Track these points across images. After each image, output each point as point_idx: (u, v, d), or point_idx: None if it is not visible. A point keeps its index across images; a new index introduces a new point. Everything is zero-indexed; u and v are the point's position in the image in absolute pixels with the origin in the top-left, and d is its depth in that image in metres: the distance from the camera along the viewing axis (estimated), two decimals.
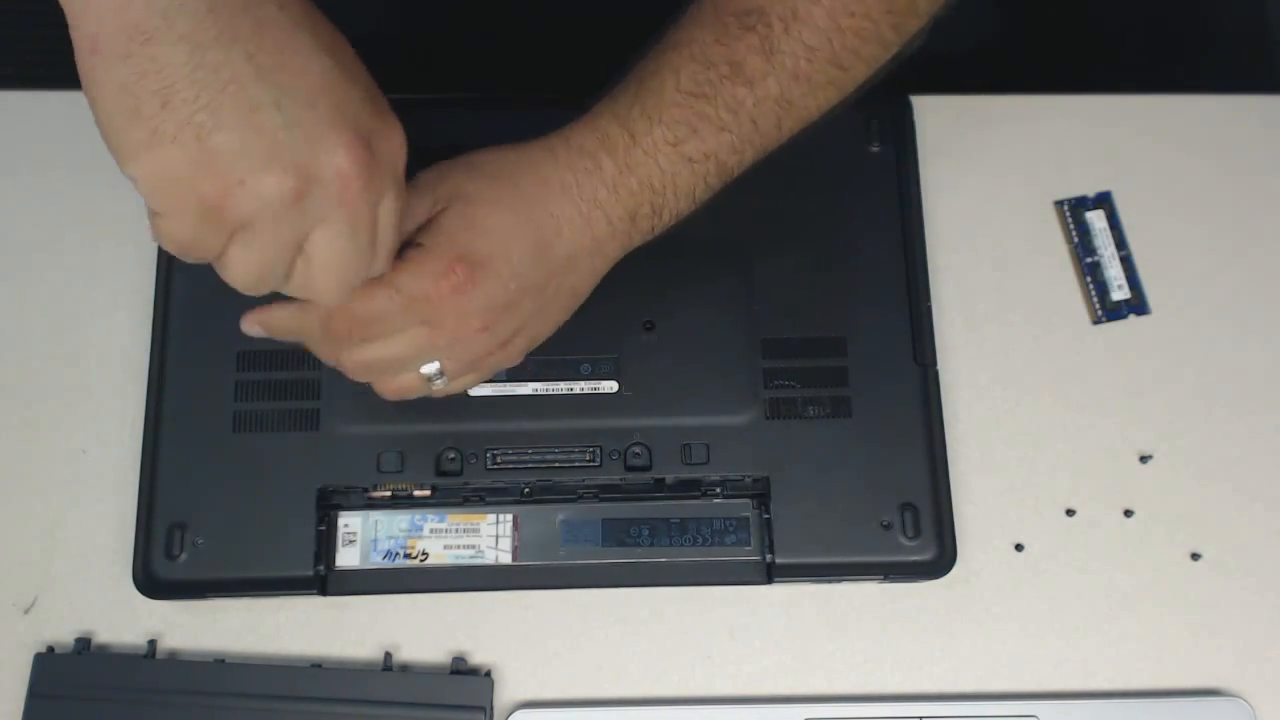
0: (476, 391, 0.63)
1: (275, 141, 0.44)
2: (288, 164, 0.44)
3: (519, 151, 0.55)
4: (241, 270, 0.48)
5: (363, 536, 0.62)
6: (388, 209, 0.48)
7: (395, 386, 0.56)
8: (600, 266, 0.57)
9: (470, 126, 0.67)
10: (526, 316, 0.55)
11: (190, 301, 0.64)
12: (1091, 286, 0.68)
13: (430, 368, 0.55)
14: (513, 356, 0.57)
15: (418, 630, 0.62)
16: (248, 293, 0.49)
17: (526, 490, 0.62)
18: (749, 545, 0.62)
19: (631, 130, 0.54)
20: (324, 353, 0.56)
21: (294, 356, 0.63)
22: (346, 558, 0.62)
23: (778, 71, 0.54)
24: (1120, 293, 0.68)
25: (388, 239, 0.49)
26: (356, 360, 0.55)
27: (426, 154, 0.66)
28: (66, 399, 0.65)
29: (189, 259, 0.48)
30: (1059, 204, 0.70)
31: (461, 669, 0.61)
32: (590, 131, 0.55)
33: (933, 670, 0.62)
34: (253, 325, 0.54)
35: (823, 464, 0.62)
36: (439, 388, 0.56)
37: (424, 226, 0.53)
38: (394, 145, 0.48)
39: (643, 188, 0.55)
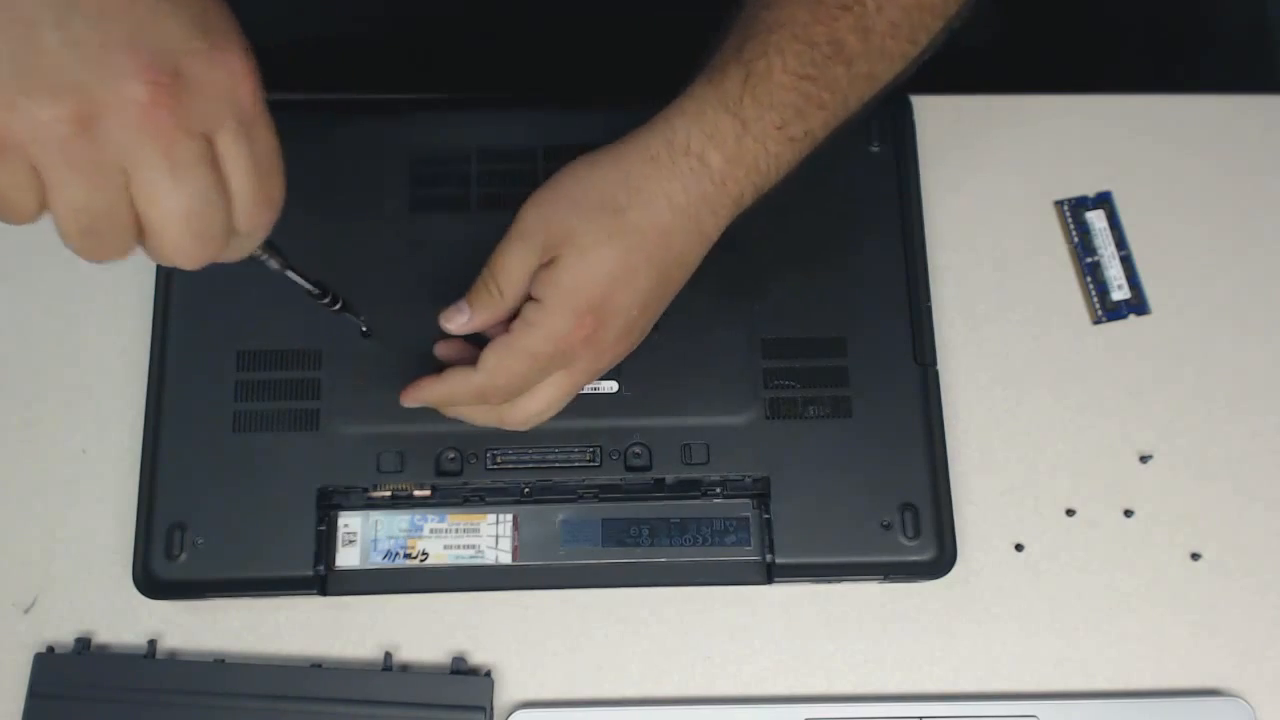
0: None
1: (52, 63, 0.39)
2: (63, 87, 0.39)
3: (618, 166, 0.55)
4: (65, 219, 0.42)
5: (363, 536, 0.62)
6: (235, 148, 0.43)
7: (531, 416, 0.58)
8: (705, 250, 0.57)
9: (470, 127, 0.67)
10: (646, 318, 0.57)
11: (190, 301, 0.64)
12: (1091, 286, 0.68)
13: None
14: (620, 342, 0.57)
15: (418, 630, 0.62)
16: (93, 256, 0.44)
17: (526, 490, 0.62)
18: (749, 545, 0.62)
19: (743, 118, 0.54)
20: (484, 419, 0.58)
21: (294, 356, 0.63)
22: (346, 558, 0.62)
23: (869, 50, 0.55)
24: (1120, 293, 0.68)
25: (245, 185, 0.44)
26: (513, 420, 0.57)
27: (428, 154, 0.67)
28: (66, 399, 0.65)
29: (12, 218, 0.43)
30: (1059, 204, 0.70)
31: (461, 669, 0.61)
32: (696, 125, 0.54)
33: (933, 670, 0.62)
34: (411, 400, 0.58)
35: (823, 464, 0.62)
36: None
37: (540, 277, 0.54)
38: (226, 72, 0.42)
39: (749, 174, 0.55)
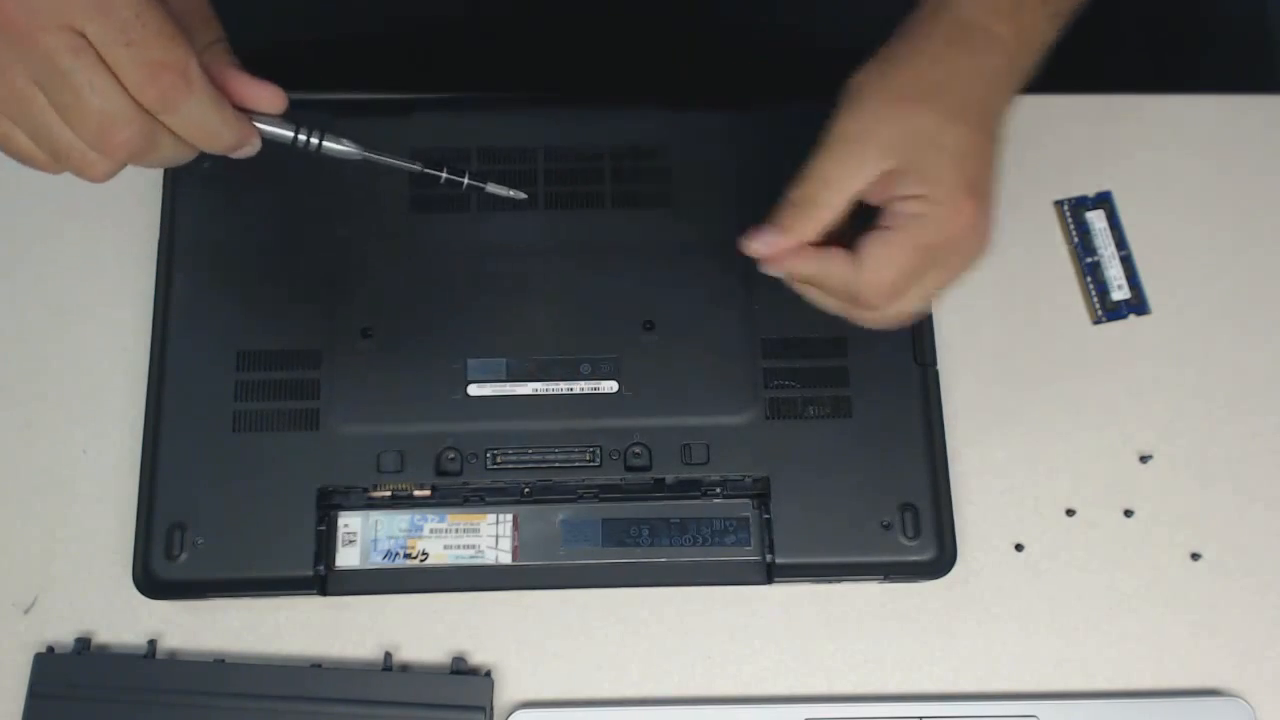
0: (476, 391, 0.63)
1: None
2: None
3: (923, 55, 0.54)
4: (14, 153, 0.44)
5: (363, 536, 0.62)
6: (94, 27, 0.43)
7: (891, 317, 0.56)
8: (1006, 125, 0.57)
9: (470, 126, 0.67)
10: (993, 180, 0.56)
11: (190, 301, 0.64)
12: (1091, 286, 0.68)
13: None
14: (990, 224, 0.56)
15: (418, 630, 0.62)
16: (68, 170, 0.46)
17: (526, 490, 0.62)
18: (749, 545, 0.62)
19: None
20: (836, 305, 0.56)
21: (294, 356, 0.63)
22: (346, 558, 0.62)
23: None
24: (1120, 293, 0.68)
25: (135, 75, 0.44)
26: (871, 317, 0.56)
27: (428, 154, 0.67)
28: (66, 399, 0.65)
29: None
30: (1059, 204, 0.70)
31: (461, 669, 0.61)
32: (974, 2, 0.55)
33: (933, 670, 0.62)
34: (773, 259, 0.54)
35: (823, 464, 0.62)
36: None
37: (899, 177, 0.52)
38: None
39: (1027, 45, 0.56)
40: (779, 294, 0.65)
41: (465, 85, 0.70)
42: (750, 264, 0.65)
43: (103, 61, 0.43)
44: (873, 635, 0.63)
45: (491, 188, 0.55)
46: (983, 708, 0.61)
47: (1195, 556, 0.64)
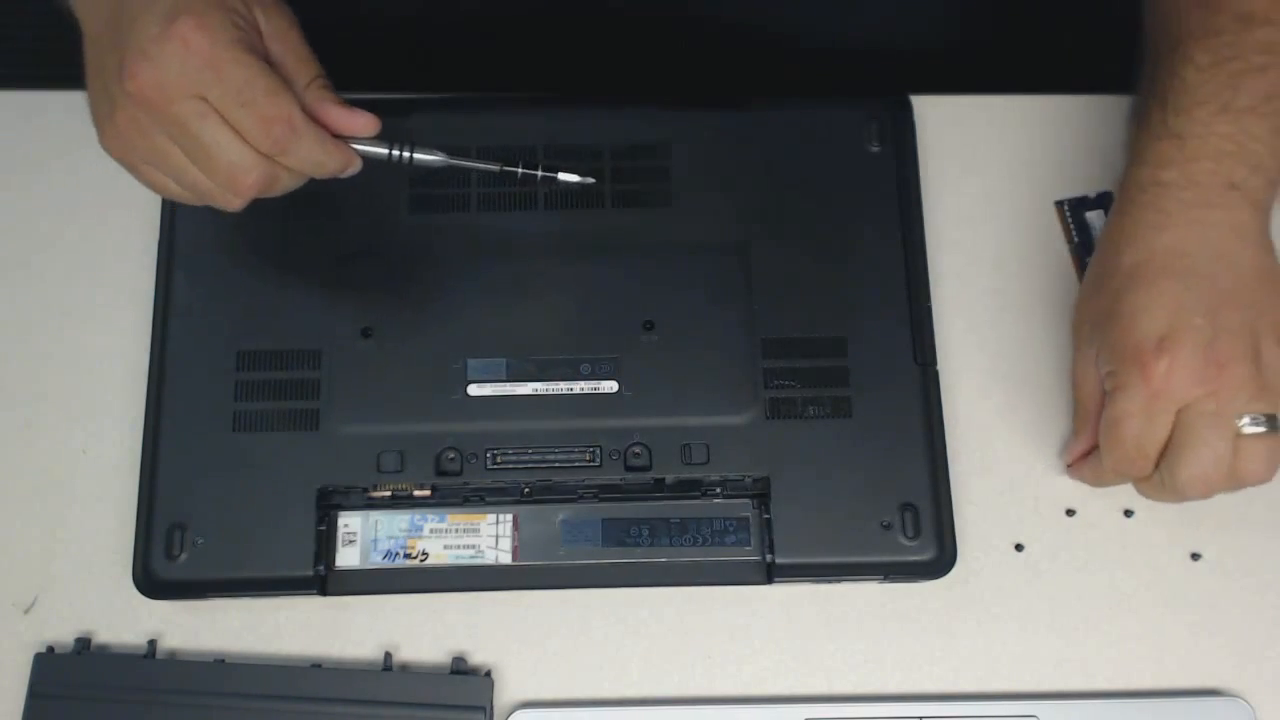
0: (476, 391, 0.63)
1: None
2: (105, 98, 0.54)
3: (1102, 241, 0.61)
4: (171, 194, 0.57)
5: (363, 536, 0.62)
6: (213, 91, 0.52)
7: (1256, 468, 0.57)
8: (1254, 236, 0.57)
9: (470, 126, 0.67)
10: (1246, 322, 0.56)
11: (190, 301, 0.64)
12: None
13: (1245, 423, 0.56)
14: (1275, 354, 0.56)
15: (418, 630, 0.62)
16: (208, 203, 0.56)
17: (526, 490, 0.62)
18: (749, 545, 0.62)
19: (1179, 134, 0.57)
20: (1156, 494, 0.60)
21: (294, 356, 0.63)
22: (346, 558, 0.62)
23: None
24: None
25: (239, 116, 0.52)
26: (1185, 482, 0.57)
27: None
28: (66, 399, 0.65)
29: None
30: (1059, 204, 0.70)
31: (461, 669, 0.61)
32: (1137, 165, 0.59)
33: (933, 670, 0.62)
34: (1075, 474, 0.64)
35: (823, 464, 0.62)
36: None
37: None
38: (178, 43, 0.51)
39: (1217, 162, 0.57)
40: (779, 294, 0.65)
41: (465, 85, 0.70)
42: (750, 264, 0.65)
43: (225, 121, 0.52)
44: (873, 635, 0.63)
45: (564, 177, 0.60)
46: (983, 708, 0.61)
47: (1195, 556, 0.64)
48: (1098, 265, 0.60)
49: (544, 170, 0.60)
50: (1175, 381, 0.55)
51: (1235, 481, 0.57)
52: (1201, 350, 0.55)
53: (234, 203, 0.55)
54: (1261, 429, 0.56)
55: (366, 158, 0.57)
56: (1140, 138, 0.60)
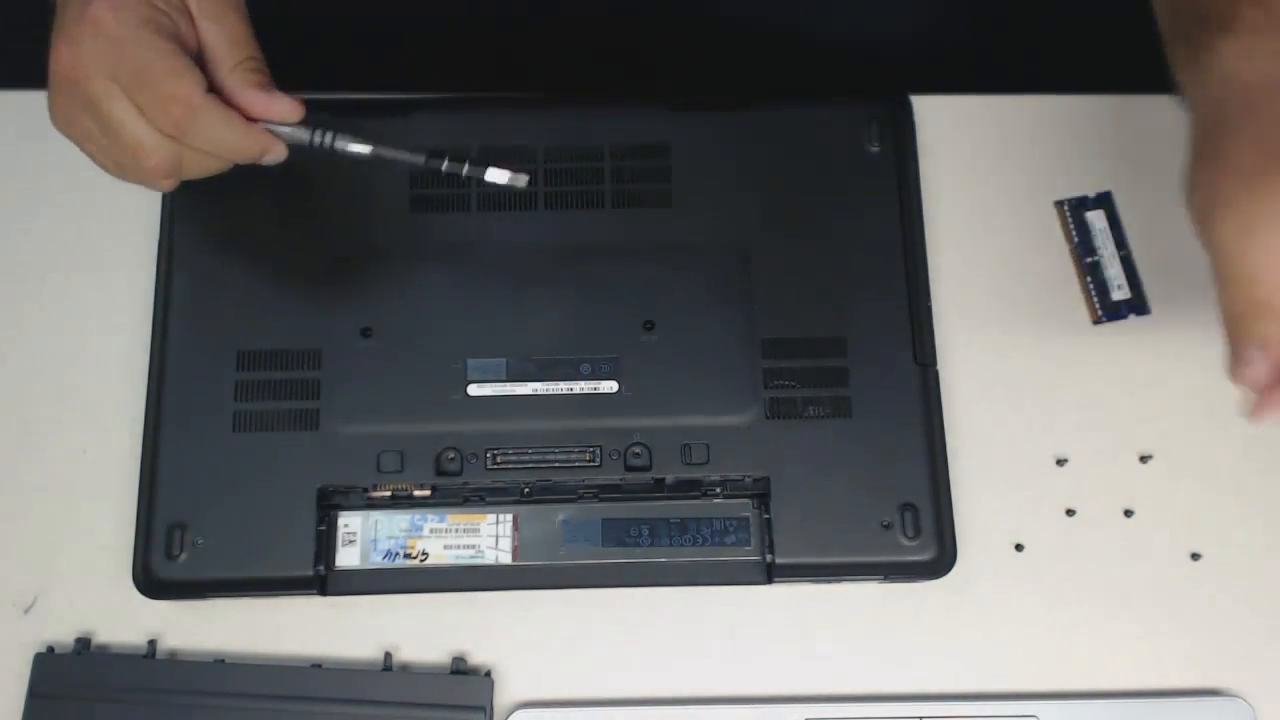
0: (476, 391, 0.63)
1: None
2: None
3: (1211, 135, 0.53)
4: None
5: (363, 536, 0.62)
6: (117, 70, 0.53)
7: None
8: None
9: (471, 126, 0.67)
10: None
11: (190, 301, 0.64)
12: (1091, 286, 0.68)
13: None
14: None
15: (418, 630, 0.62)
16: (129, 180, 0.57)
17: (526, 490, 0.62)
18: (749, 545, 0.62)
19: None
20: None
21: (294, 356, 0.63)
22: (346, 558, 0.62)
23: None
24: (1120, 293, 0.68)
25: (151, 109, 0.53)
26: None
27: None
28: (66, 399, 0.65)
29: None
30: (1059, 204, 0.70)
31: (461, 669, 0.61)
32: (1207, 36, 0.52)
33: (933, 670, 0.62)
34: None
35: (823, 464, 0.62)
36: None
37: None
38: (90, 23, 0.53)
39: None
40: (779, 294, 0.65)
41: (465, 85, 0.70)
42: (750, 264, 0.65)
43: (131, 102, 0.53)
44: (873, 635, 0.63)
45: (492, 175, 0.58)
46: (983, 708, 0.61)
47: (1195, 556, 0.64)
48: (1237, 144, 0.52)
49: (470, 165, 0.58)
50: None
51: None
52: None
53: (156, 184, 0.56)
54: None
55: (290, 142, 0.56)
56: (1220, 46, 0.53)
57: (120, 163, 0.55)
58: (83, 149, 0.57)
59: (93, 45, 0.53)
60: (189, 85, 0.53)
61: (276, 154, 0.56)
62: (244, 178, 0.65)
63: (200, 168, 0.56)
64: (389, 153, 0.57)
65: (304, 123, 0.56)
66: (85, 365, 0.66)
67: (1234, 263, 0.50)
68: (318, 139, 0.56)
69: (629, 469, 0.62)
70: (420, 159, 0.57)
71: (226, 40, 0.55)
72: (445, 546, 0.62)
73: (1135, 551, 0.64)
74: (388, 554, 0.62)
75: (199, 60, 0.55)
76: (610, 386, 0.63)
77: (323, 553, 0.61)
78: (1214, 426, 0.66)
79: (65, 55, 0.53)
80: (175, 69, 0.53)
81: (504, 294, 0.65)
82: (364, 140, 0.57)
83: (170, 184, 0.56)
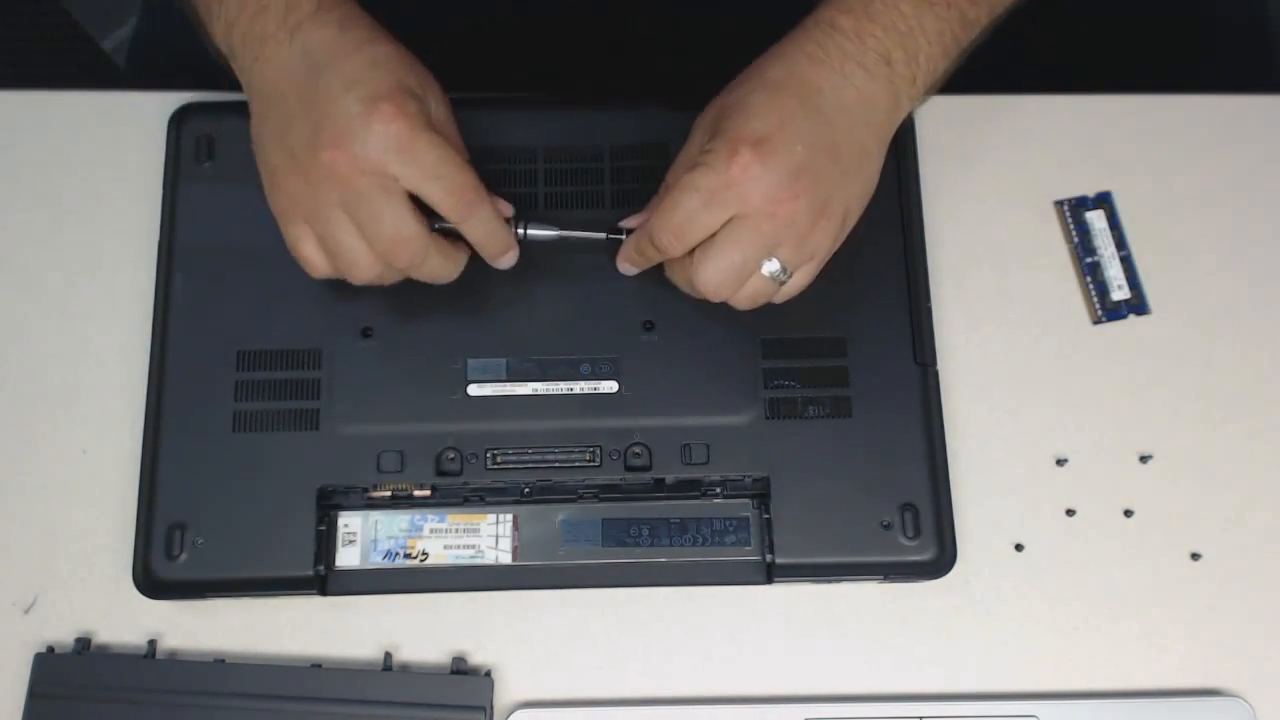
0: (476, 391, 0.63)
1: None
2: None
3: (763, 55, 0.60)
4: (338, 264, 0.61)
5: (363, 536, 0.62)
6: (404, 170, 0.56)
7: (748, 296, 0.59)
8: (878, 119, 0.59)
9: (471, 127, 0.67)
10: (829, 180, 0.58)
11: (190, 301, 0.64)
12: (1091, 286, 0.68)
13: (770, 266, 0.58)
14: (836, 228, 0.59)
15: (418, 630, 0.62)
16: (299, 255, 0.60)
17: (526, 490, 0.62)
18: (749, 545, 0.62)
19: None
20: (678, 277, 0.61)
21: (294, 356, 0.63)
22: (346, 558, 0.62)
23: None
24: (1120, 293, 0.68)
25: (430, 190, 0.57)
26: (704, 279, 0.58)
27: None
28: (66, 399, 0.65)
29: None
30: (1059, 204, 0.70)
31: (461, 669, 0.61)
32: (824, 5, 0.59)
33: (933, 670, 0.62)
34: (624, 265, 0.63)
35: (823, 464, 0.62)
36: (787, 287, 0.60)
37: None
38: (378, 120, 0.56)
39: (888, 32, 0.58)
40: None
41: (465, 85, 0.70)
42: None
43: (406, 196, 0.57)
44: (873, 635, 0.63)
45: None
46: (983, 708, 0.61)
47: (1195, 556, 0.64)
48: (747, 72, 0.60)
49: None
50: (750, 183, 0.56)
51: (738, 299, 0.59)
52: (788, 172, 0.56)
53: (364, 276, 0.59)
54: (776, 278, 0.58)
55: None
56: None
57: (345, 252, 0.58)
58: (294, 227, 0.59)
59: (381, 144, 0.55)
60: (474, 176, 0.58)
61: (512, 256, 0.62)
62: (244, 177, 0.66)
63: (433, 270, 0.61)
64: (574, 235, 0.63)
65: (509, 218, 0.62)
66: (85, 365, 0.66)
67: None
68: (521, 230, 0.62)
69: (629, 469, 0.62)
70: (601, 236, 0.63)
71: (456, 134, 0.61)
72: (445, 546, 0.62)
73: (1135, 551, 0.64)
74: (388, 554, 0.62)
75: None
76: (610, 386, 0.63)
77: (323, 553, 0.61)
78: (1214, 426, 0.66)
79: (343, 147, 0.55)
80: (461, 165, 0.58)
81: (504, 294, 0.65)
82: (551, 225, 0.62)
83: (372, 282, 0.60)
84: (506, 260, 0.62)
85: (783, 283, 0.59)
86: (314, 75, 0.57)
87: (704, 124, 0.59)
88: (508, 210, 0.62)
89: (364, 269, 0.58)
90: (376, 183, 0.56)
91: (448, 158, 0.57)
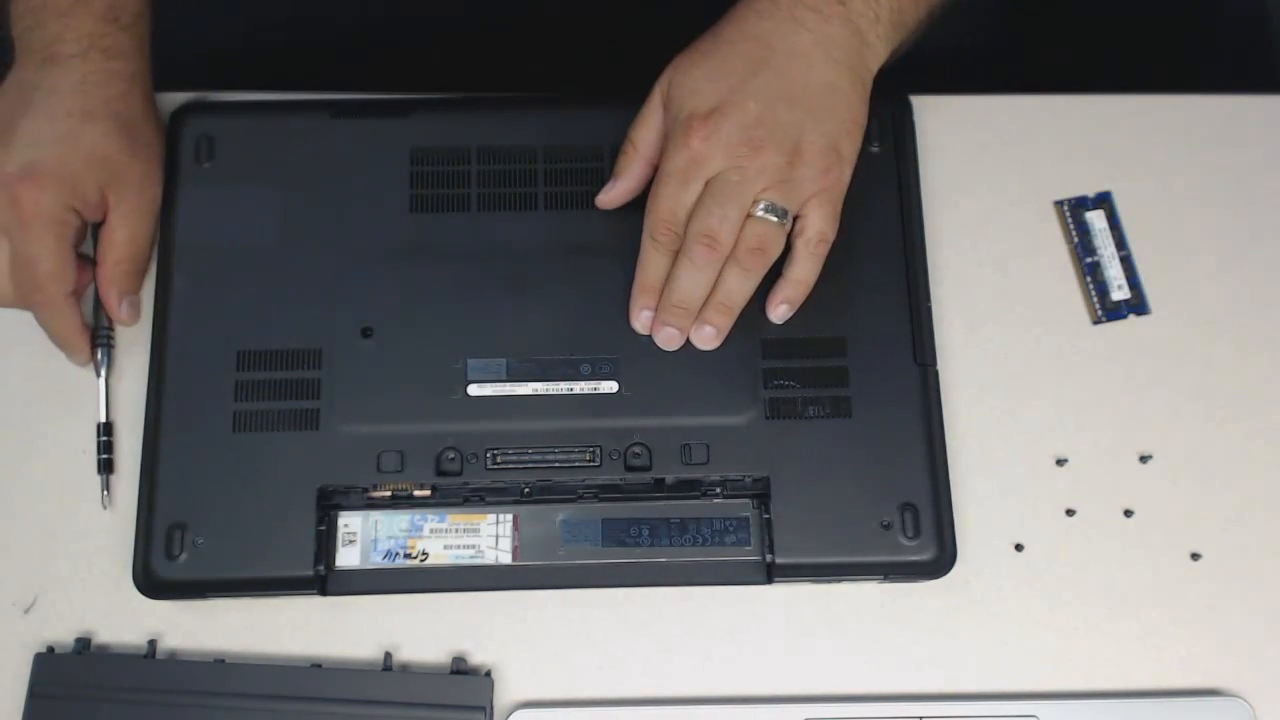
0: (476, 391, 0.63)
1: None
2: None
3: (722, 16, 0.63)
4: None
5: (363, 536, 0.62)
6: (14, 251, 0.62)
7: (755, 237, 0.61)
8: (841, 55, 0.61)
9: (470, 127, 0.67)
10: (793, 124, 0.60)
11: (190, 301, 0.64)
12: (1091, 286, 0.68)
13: (759, 209, 0.60)
14: (823, 163, 0.61)
15: (418, 630, 0.62)
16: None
17: (526, 490, 0.62)
18: (749, 545, 0.62)
19: None
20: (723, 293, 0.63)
21: (294, 356, 0.63)
22: (346, 558, 0.62)
23: None
24: (1120, 293, 0.68)
25: (22, 283, 0.62)
26: (696, 231, 0.60)
27: (428, 154, 0.67)
28: (66, 399, 0.65)
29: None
30: (1059, 204, 0.70)
31: (461, 669, 0.61)
32: None
33: (933, 670, 0.62)
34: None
35: (823, 464, 0.62)
36: (810, 226, 0.62)
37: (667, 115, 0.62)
38: (7, 196, 0.61)
39: None
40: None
41: (465, 85, 0.70)
42: None
43: (5, 259, 0.62)
44: (873, 635, 0.63)
45: None
46: (983, 708, 0.61)
47: (1195, 556, 0.64)
48: (703, 35, 0.62)
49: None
50: (711, 149, 0.59)
51: (745, 245, 0.61)
52: (743, 129, 0.59)
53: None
54: (771, 217, 0.61)
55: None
56: None
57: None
58: None
59: (5, 208, 0.60)
60: (59, 290, 0.62)
61: (78, 361, 0.65)
62: (244, 177, 0.66)
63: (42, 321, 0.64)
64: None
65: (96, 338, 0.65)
66: (85, 366, 0.66)
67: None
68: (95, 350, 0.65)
69: (629, 469, 0.62)
70: None
71: (121, 238, 0.64)
72: (445, 546, 0.62)
73: (1135, 551, 0.64)
74: (388, 554, 0.62)
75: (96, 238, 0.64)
76: (610, 386, 0.63)
77: (323, 553, 0.61)
78: (1214, 426, 0.66)
79: None
80: (53, 274, 0.61)
81: (504, 294, 0.65)
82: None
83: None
84: (76, 359, 0.65)
85: (784, 222, 0.61)
86: (22, 115, 0.61)
87: (662, 86, 0.63)
88: (130, 321, 0.65)
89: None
90: None
91: (42, 257, 0.61)
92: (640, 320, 0.63)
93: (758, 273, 0.62)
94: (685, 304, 0.62)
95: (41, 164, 0.60)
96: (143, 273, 0.65)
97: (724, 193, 0.60)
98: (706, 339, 0.63)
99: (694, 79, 0.61)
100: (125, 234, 0.64)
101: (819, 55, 0.60)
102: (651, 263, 0.62)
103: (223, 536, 0.61)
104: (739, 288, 0.62)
